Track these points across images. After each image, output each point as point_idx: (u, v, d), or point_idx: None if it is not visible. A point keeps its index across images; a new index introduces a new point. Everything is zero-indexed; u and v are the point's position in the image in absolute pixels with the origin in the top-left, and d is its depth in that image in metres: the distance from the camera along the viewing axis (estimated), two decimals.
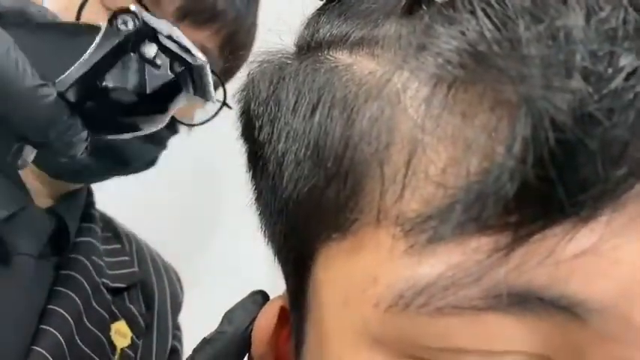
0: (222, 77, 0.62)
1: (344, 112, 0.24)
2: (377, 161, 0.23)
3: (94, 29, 0.33)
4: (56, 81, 0.32)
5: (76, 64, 0.32)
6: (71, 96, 0.32)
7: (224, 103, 0.60)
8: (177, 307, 0.70)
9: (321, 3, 0.30)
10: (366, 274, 0.23)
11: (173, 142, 0.63)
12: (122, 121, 0.35)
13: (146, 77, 0.32)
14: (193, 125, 0.63)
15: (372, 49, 0.26)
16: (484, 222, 0.21)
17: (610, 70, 0.20)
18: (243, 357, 0.32)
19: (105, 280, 0.61)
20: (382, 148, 0.23)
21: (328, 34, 0.28)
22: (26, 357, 0.52)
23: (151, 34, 0.32)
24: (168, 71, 0.33)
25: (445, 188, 0.21)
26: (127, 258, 0.67)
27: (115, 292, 0.62)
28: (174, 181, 0.94)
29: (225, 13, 0.58)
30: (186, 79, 0.33)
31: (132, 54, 0.32)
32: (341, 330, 0.24)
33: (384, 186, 0.23)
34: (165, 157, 0.64)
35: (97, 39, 0.32)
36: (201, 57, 0.31)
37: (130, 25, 0.32)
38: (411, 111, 0.22)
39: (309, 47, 0.29)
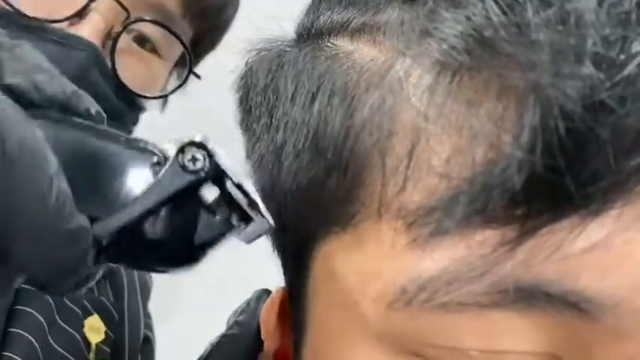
0: (196, 44, 0.57)
1: (344, 100, 0.24)
2: (378, 152, 0.22)
3: (152, 156, 0.26)
4: (96, 226, 0.25)
5: (125, 205, 0.25)
6: (105, 241, 0.26)
7: (190, 72, 0.56)
8: (146, 294, 0.66)
9: None
10: (367, 268, 0.22)
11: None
12: (148, 265, 0.28)
13: (198, 226, 0.26)
14: (163, 96, 0.58)
15: (373, 36, 0.25)
16: (490, 214, 0.20)
17: (622, 56, 0.19)
18: (254, 356, 0.31)
19: None
20: (384, 137, 0.22)
21: (329, 21, 0.28)
22: None
23: (218, 177, 0.25)
24: (226, 224, 0.26)
25: (449, 179, 0.21)
26: None
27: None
28: None
29: None
30: (241, 227, 0.26)
31: (190, 195, 0.26)
32: (341, 326, 0.24)
33: (386, 177, 0.22)
34: None
35: (160, 176, 0.25)
36: (270, 220, 0.26)
37: (199, 165, 0.25)
38: (413, 99, 0.22)
39: (309, 34, 0.28)
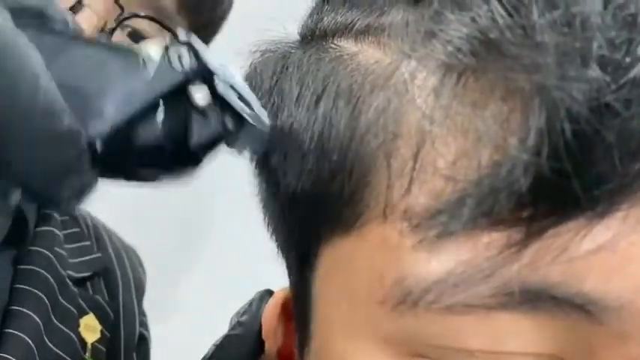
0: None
1: (349, 102, 0.24)
2: (383, 154, 0.22)
3: (137, 57, 0.25)
4: (87, 123, 0.24)
5: (115, 106, 0.24)
6: (99, 144, 0.25)
7: None
8: (141, 291, 0.65)
9: None
10: (372, 270, 0.22)
11: None
12: (145, 173, 0.27)
13: (192, 128, 0.25)
14: None
15: (378, 38, 0.25)
16: (496, 217, 0.20)
17: (628, 59, 0.19)
18: (257, 357, 0.31)
19: (70, 272, 0.56)
20: (389, 140, 0.22)
21: (333, 22, 0.28)
22: None
23: (207, 76, 0.24)
24: (218, 126, 0.25)
25: (455, 182, 0.21)
26: (87, 243, 0.61)
27: (79, 282, 0.57)
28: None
29: None
30: (237, 136, 0.26)
31: (179, 96, 0.25)
32: (346, 328, 0.24)
33: (391, 179, 0.22)
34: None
35: (149, 75, 0.24)
36: (264, 118, 0.25)
37: (185, 62, 0.24)
38: (419, 101, 0.22)
39: (313, 36, 0.28)
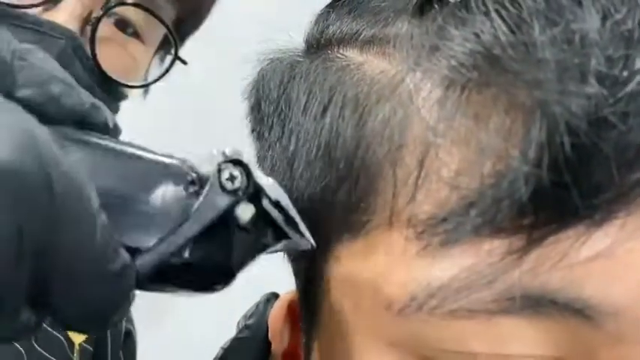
0: (178, 27, 0.54)
1: (355, 112, 0.24)
2: (389, 162, 0.23)
3: (185, 175, 0.23)
4: (138, 261, 0.22)
5: (167, 236, 0.23)
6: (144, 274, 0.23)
7: (176, 57, 0.53)
8: None
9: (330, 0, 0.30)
10: (378, 275, 0.23)
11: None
12: (186, 292, 0.25)
13: (233, 247, 0.23)
14: (141, 87, 0.54)
15: (383, 48, 0.25)
16: (498, 225, 0.21)
17: (625, 73, 0.19)
18: (265, 359, 0.32)
19: None
20: (394, 149, 0.23)
21: (338, 32, 0.28)
22: None
23: (254, 195, 0.23)
24: (261, 244, 0.24)
25: (459, 190, 0.21)
26: None
27: None
28: None
29: None
30: (275, 249, 0.24)
31: (226, 216, 0.23)
32: (353, 331, 0.24)
33: (397, 187, 0.23)
34: None
35: (201, 200, 0.23)
36: (310, 239, 0.24)
37: (237, 184, 0.23)
38: (423, 112, 0.22)
39: (319, 44, 0.29)
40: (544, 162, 0.19)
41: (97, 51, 0.46)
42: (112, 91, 0.49)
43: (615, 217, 0.20)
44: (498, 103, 0.21)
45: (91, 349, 0.55)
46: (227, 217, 0.23)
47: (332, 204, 0.25)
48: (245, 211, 0.23)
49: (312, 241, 0.24)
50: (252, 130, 0.31)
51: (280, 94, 0.28)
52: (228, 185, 0.23)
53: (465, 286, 0.21)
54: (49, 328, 0.51)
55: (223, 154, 0.23)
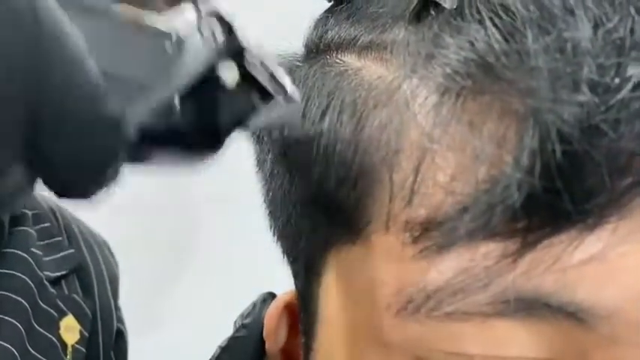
0: None
1: (353, 117, 0.25)
2: (386, 167, 0.23)
3: (165, 35, 0.22)
4: (127, 110, 0.21)
5: (151, 91, 0.22)
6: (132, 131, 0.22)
7: None
8: (115, 285, 0.61)
9: (329, 5, 0.30)
10: (376, 278, 0.23)
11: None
12: (161, 155, 0.24)
13: (220, 112, 0.23)
14: None
15: (380, 54, 0.26)
16: (492, 229, 0.21)
17: (617, 81, 0.20)
18: (261, 358, 0.32)
19: (46, 273, 0.53)
20: (391, 154, 0.23)
21: (337, 37, 0.28)
22: None
23: (236, 52, 0.22)
24: (247, 104, 0.23)
25: (454, 195, 0.22)
26: (59, 238, 0.57)
27: (55, 282, 0.54)
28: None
29: None
30: (260, 112, 0.23)
31: (208, 75, 0.22)
32: (351, 332, 0.25)
33: (393, 192, 0.23)
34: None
35: (182, 55, 0.22)
36: (296, 95, 0.23)
37: (218, 35, 0.21)
38: (419, 118, 0.23)
39: (318, 50, 0.29)
40: (536, 168, 0.20)
41: None
42: None
43: (607, 222, 0.20)
44: (492, 110, 0.21)
45: (83, 350, 0.55)
46: (210, 76, 0.22)
47: (331, 207, 0.25)
48: (228, 70, 0.22)
49: (297, 95, 0.23)
50: (252, 134, 0.31)
51: None
52: (210, 41, 0.21)
53: (460, 289, 0.21)
54: (42, 330, 0.51)
55: (197, 8, 0.22)
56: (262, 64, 0.22)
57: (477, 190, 0.21)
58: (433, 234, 0.22)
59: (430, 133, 0.22)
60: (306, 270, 0.28)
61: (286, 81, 0.23)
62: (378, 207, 0.24)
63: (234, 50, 0.22)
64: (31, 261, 0.52)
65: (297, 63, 0.29)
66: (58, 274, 0.54)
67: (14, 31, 0.17)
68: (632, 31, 0.20)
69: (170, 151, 0.23)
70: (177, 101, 0.22)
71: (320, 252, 0.26)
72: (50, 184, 0.20)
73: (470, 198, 0.21)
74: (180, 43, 0.21)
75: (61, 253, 0.56)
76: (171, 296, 1.02)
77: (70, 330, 0.53)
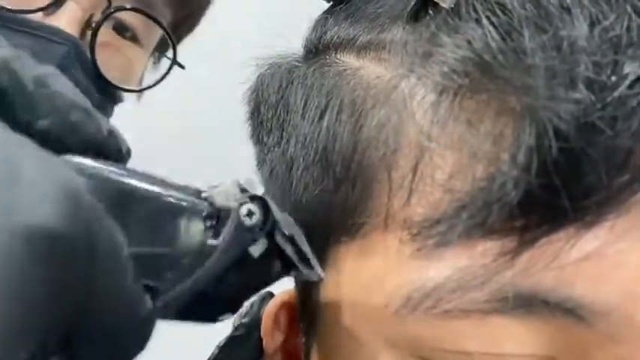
0: (174, 30, 0.54)
1: (352, 116, 0.25)
2: (384, 166, 0.23)
3: (203, 208, 0.22)
4: (158, 302, 0.22)
5: (188, 276, 0.22)
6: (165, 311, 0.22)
7: (174, 62, 0.53)
8: None
9: (328, 5, 0.31)
10: (374, 276, 0.24)
11: None
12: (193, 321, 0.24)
13: (244, 279, 0.23)
14: (140, 90, 0.55)
15: (378, 54, 0.26)
16: (490, 227, 0.21)
17: (614, 78, 0.20)
18: (259, 357, 0.33)
19: None
20: (390, 153, 0.23)
21: (335, 37, 0.28)
22: None
23: (269, 230, 0.22)
24: (269, 273, 0.23)
25: (452, 193, 0.22)
26: None
27: None
28: None
29: None
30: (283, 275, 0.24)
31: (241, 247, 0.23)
32: (350, 330, 0.25)
33: (392, 191, 0.23)
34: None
35: (223, 238, 0.22)
36: (320, 272, 0.24)
37: (255, 219, 0.22)
38: (417, 117, 0.23)
39: (317, 50, 0.29)
40: (533, 166, 0.20)
41: (98, 56, 0.47)
42: (109, 94, 0.50)
43: (605, 219, 0.20)
44: (489, 108, 0.21)
45: None
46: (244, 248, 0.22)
47: (329, 206, 0.25)
48: (258, 244, 0.23)
49: (322, 273, 0.24)
50: (252, 134, 0.31)
51: (279, 98, 0.29)
52: (247, 221, 0.22)
53: (458, 287, 0.21)
54: None
55: (239, 186, 0.22)
56: (292, 239, 0.23)
57: (474, 188, 0.21)
58: (431, 232, 0.22)
59: (428, 131, 0.22)
60: None
61: (311, 256, 0.23)
62: (377, 206, 0.24)
63: (268, 228, 0.22)
64: None
65: (297, 63, 0.29)
66: None
67: (67, 269, 0.17)
68: (628, 28, 0.20)
69: (192, 316, 0.23)
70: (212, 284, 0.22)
71: (319, 250, 0.26)
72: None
73: (467, 196, 0.21)
74: (216, 219, 0.22)
75: None
76: None
77: None
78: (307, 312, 0.28)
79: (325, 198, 0.26)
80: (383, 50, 0.26)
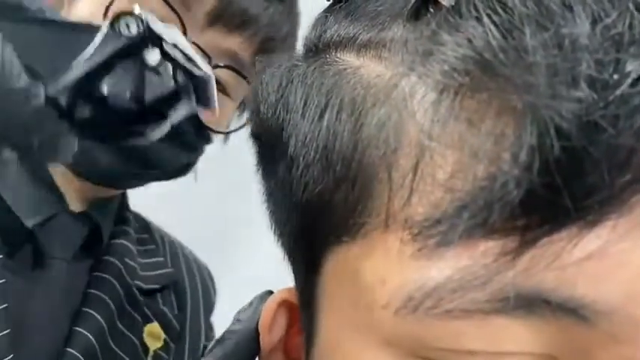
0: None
1: (352, 115, 0.25)
2: (385, 165, 0.23)
3: (94, 30, 0.32)
4: (47, 83, 0.31)
5: (71, 67, 0.31)
6: (62, 100, 0.31)
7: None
8: (209, 307, 0.70)
9: (328, 4, 0.30)
10: (375, 276, 0.23)
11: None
12: (119, 128, 0.33)
13: (145, 85, 0.31)
14: (227, 132, 0.63)
15: (379, 52, 0.26)
16: (491, 227, 0.21)
17: (616, 76, 0.20)
18: (255, 355, 0.33)
19: (138, 282, 0.61)
20: (390, 152, 0.23)
21: (335, 35, 0.28)
22: (59, 359, 0.53)
23: (155, 40, 0.30)
24: (171, 80, 0.32)
25: (452, 193, 0.22)
26: (161, 259, 0.67)
27: (148, 293, 0.63)
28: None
29: (258, 18, 0.57)
30: (189, 88, 0.32)
31: (132, 59, 0.31)
32: (351, 329, 0.25)
33: (392, 190, 0.23)
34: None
35: (96, 41, 0.31)
36: (206, 69, 0.30)
37: (134, 29, 0.30)
38: (418, 116, 0.23)
39: (317, 48, 0.29)
40: (535, 165, 0.20)
41: None
42: (203, 135, 0.58)
43: (607, 219, 0.20)
44: (490, 107, 0.21)
45: (166, 356, 0.61)
46: (136, 59, 0.31)
47: (330, 206, 0.25)
48: (150, 53, 0.31)
49: (209, 70, 0.30)
50: (252, 134, 0.31)
51: (279, 98, 0.29)
52: (125, 31, 0.31)
53: (459, 287, 0.21)
54: (125, 330, 0.58)
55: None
56: (176, 46, 0.31)
57: (475, 187, 0.21)
58: (432, 232, 0.22)
59: (428, 130, 0.22)
60: (306, 269, 0.28)
61: (196, 57, 0.31)
62: (377, 205, 0.24)
63: (154, 38, 0.30)
64: (123, 269, 0.60)
65: (296, 62, 0.29)
66: (151, 286, 0.63)
67: None
68: (630, 26, 0.20)
69: (103, 121, 0.32)
70: (113, 76, 0.31)
71: (319, 251, 0.26)
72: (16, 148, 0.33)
73: (468, 195, 0.21)
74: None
75: (159, 271, 0.66)
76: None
77: (153, 336, 0.61)
78: (307, 311, 0.28)
79: (325, 197, 0.25)
80: (383, 49, 0.26)
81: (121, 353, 0.57)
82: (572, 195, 0.20)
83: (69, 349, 0.54)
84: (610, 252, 0.20)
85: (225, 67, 0.57)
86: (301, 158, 0.26)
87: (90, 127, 0.33)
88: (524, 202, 0.20)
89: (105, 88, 0.31)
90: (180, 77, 0.31)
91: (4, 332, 0.51)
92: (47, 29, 0.31)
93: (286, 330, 0.31)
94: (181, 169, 0.60)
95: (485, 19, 0.21)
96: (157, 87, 0.31)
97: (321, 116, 0.26)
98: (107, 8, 0.52)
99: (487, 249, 0.21)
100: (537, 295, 0.21)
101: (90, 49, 0.31)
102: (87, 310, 0.56)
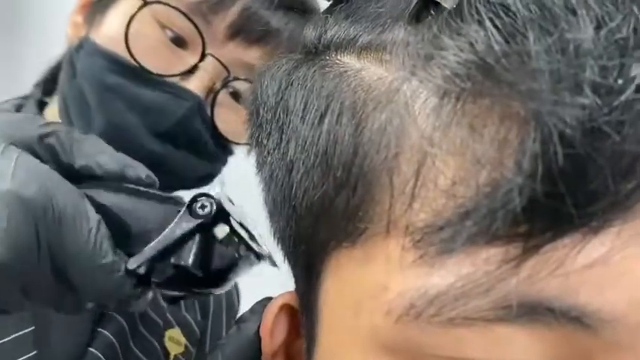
0: None
1: (353, 119, 0.24)
2: (386, 170, 0.23)
3: (179, 204, 0.39)
4: (129, 261, 0.38)
5: (150, 245, 0.37)
6: (141, 270, 0.38)
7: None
8: (232, 315, 0.71)
9: (328, 4, 0.30)
10: (376, 283, 0.23)
11: None
12: (188, 290, 0.40)
13: (214, 256, 0.37)
14: (247, 144, 0.65)
15: (380, 55, 0.25)
16: (494, 234, 0.21)
17: (620, 82, 0.19)
18: (255, 357, 0.32)
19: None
20: (391, 157, 0.23)
21: (336, 37, 0.28)
22: (81, 357, 0.55)
23: (225, 217, 0.36)
24: (235, 253, 0.38)
25: (455, 199, 0.21)
26: None
27: (172, 300, 0.64)
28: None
29: (278, 32, 0.58)
30: (249, 256, 0.38)
31: (204, 234, 0.37)
32: (352, 337, 0.24)
33: (394, 196, 0.23)
34: None
35: (174, 222, 0.37)
36: (265, 249, 0.37)
37: (207, 210, 0.36)
38: (419, 121, 0.22)
39: (317, 50, 0.29)
40: (538, 172, 0.19)
41: (215, 113, 0.58)
42: (224, 146, 0.61)
43: (611, 226, 0.20)
44: (493, 113, 0.21)
45: None
46: (208, 235, 0.37)
47: (330, 211, 0.25)
48: (220, 230, 0.37)
49: (267, 251, 0.36)
50: (251, 136, 0.31)
51: (278, 100, 0.28)
52: (199, 212, 0.37)
53: (462, 294, 0.21)
54: (146, 334, 0.60)
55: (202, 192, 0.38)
56: (242, 224, 0.38)
57: (478, 194, 0.21)
58: (434, 239, 0.22)
59: (430, 136, 0.22)
60: (307, 273, 0.28)
61: (258, 237, 0.38)
62: (378, 211, 0.23)
63: (220, 216, 0.37)
64: None
65: (296, 64, 0.29)
66: (174, 293, 0.65)
67: (40, 223, 0.36)
68: (635, 30, 0.20)
69: (172, 285, 0.40)
70: (188, 249, 0.38)
71: (320, 256, 0.26)
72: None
73: (471, 202, 0.21)
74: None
75: None
76: None
77: (174, 341, 0.63)
78: (308, 316, 0.28)
79: (326, 202, 0.25)
80: (384, 51, 0.25)
81: (141, 355, 0.59)
82: (575, 202, 0.20)
83: (91, 349, 0.55)
84: (614, 259, 0.20)
85: (245, 80, 0.58)
86: (301, 162, 0.26)
87: (161, 286, 0.40)
88: (527, 209, 0.20)
89: (178, 259, 0.37)
90: (242, 251, 0.37)
91: (29, 330, 0.53)
92: (141, 200, 0.39)
93: (288, 334, 0.31)
94: (202, 178, 0.62)
95: (488, 23, 0.21)
96: (223, 258, 0.37)
97: (322, 120, 0.25)
98: (131, 18, 0.55)
99: (490, 256, 0.21)
100: (540, 302, 0.20)
101: (167, 230, 0.37)
102: (111, 312, 0.58)
